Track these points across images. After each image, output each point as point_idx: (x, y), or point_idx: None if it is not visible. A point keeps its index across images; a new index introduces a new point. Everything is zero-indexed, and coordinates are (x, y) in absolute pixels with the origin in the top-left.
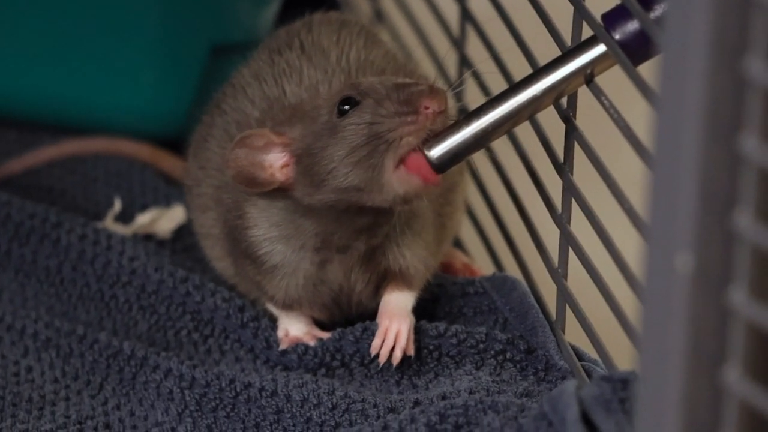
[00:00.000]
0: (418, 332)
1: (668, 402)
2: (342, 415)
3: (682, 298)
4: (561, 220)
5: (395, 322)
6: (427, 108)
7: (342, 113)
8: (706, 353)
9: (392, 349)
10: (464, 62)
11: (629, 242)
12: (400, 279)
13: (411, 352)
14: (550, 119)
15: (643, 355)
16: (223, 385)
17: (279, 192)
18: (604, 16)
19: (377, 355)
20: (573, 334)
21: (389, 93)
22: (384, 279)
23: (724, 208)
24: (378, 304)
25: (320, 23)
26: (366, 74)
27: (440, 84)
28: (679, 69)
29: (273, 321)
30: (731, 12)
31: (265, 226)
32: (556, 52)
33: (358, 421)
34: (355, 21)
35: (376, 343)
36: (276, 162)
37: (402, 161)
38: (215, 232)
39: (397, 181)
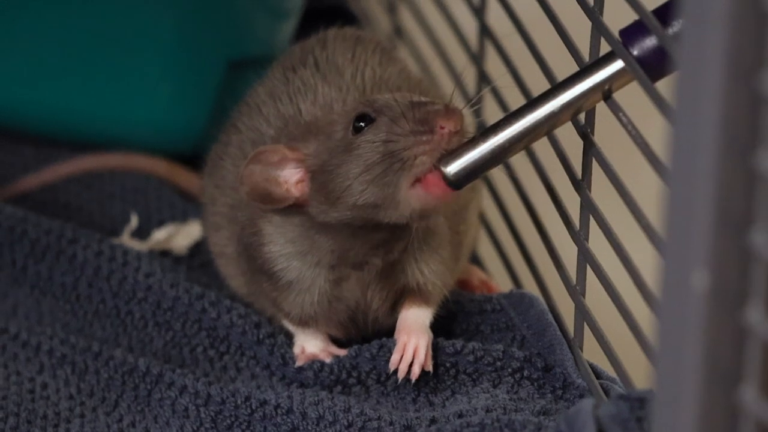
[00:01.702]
0: (434, 349)
1: (684, 421)
2: None
3: (697, 317)
4: (579, 237)
5: (413, 338)
6: (443, 128)
7: (357, 130)
8: (722, 372)
9: (411, 365)
10: (483, 78)
11: (647, 259)
12: (418, 295)
13: (429, 367)
14: (567, 135)
15: (659, 373)
16: (239, 402)
17: (294, 208)
18: (622, 32)
19: (394, 373)
20: (591, 351)
21: (405, 111)
22: (401, 296)
23: (741, 225)
24: (394, 322)
25: (335, 40)
26: (381, 92)
27: (457, 102)
28: (695, 85)
29: (289, 338)
30: (747, 28)
31: (281, 242)
32: (575, 68)
33: None
34: (370, 37)
35: (394, 358)
36: (291, 177)
37: (418, 180)
38: (229, 251)
39: (414, 197)
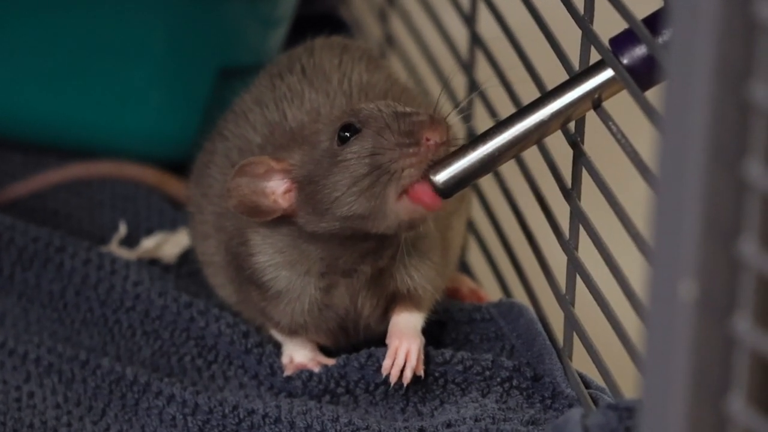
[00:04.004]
0: (424, 357)
1: (672, 431)
2: None
3: (685, 326)
4: (568, 246)
5: (405, 342)
6: (428, 139)
7: (343, 140)
8: (710, 382)
9: (402, 370)
10: (473, 86)
11: (637, 269)
12: (409, 300)
13: (421, 372)
14: (557, 144)
15: (647, 383)
16: (227, 411)
17: (282, 218)
18: (612, 41)
19: (383, 381)
20: (580, 361)
21: (389, 123)
22: (392, 302)
23: (729, 235)
24: (386, 328)
25: (322, 47)
26: (368, 98)
27: (443, 110)
28: (683, 94)
29: (277, 347)
30: (736, 37)
31: (269, 252)
32: (565, 77)
33: None
34: (357, 45)
35: (386, 363)
36: (278, 188)
37: (405, 191)
38: (217, 260)
39: (402, 208)
